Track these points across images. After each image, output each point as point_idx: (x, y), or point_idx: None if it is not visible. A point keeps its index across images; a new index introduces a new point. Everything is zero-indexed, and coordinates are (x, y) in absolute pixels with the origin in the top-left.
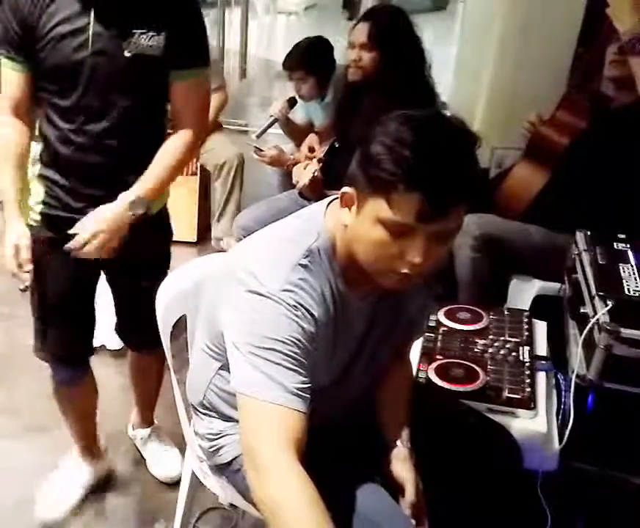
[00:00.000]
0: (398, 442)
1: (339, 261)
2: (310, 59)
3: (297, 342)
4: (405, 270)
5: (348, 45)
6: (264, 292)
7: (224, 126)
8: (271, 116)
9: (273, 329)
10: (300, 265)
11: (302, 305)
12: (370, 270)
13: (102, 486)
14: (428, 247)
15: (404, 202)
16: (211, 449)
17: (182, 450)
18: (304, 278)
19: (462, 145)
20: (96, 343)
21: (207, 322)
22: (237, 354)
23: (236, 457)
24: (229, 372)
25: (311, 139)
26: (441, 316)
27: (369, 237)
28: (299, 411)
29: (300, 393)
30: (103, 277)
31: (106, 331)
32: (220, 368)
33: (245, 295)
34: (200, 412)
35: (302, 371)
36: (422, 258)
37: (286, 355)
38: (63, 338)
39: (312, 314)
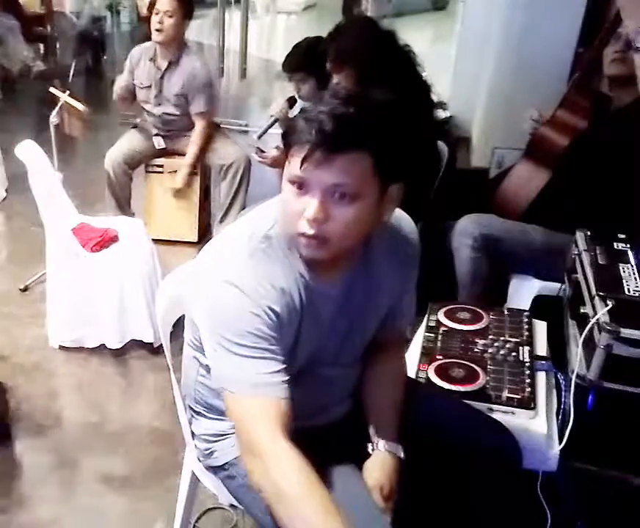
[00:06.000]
0: (381, 445)
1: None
2: (309, 59)
3: (260, 330)
4: (306, 230)
5: None
6: (224, 283)
7: (223, 126)
8: (272, 116)
9: (235, 322)
10: (256, 252)
11: (259, 293)
12: (289, 238)
13: (101, 485)
14: (323, 203)
15: (296, 156)
16: (206, 451)
17: (181, 450)
18: (261, 265)
19: (341, 101)
20: (96, 342)
21: (189, 316)
22: (209, 349)
23: (228, 462)
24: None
25: None
26: (441, 316)
27: (282, 198)
28: (277, 396)
29: (272, 380)
30: (100, 277)
31: (105, 330)
32: (202, 361)
33: (208, 288)
34: (194, 411)
35: (271, 357)
36: (315, 212)
37: (252, 346)
38: None
39: (270, 302)
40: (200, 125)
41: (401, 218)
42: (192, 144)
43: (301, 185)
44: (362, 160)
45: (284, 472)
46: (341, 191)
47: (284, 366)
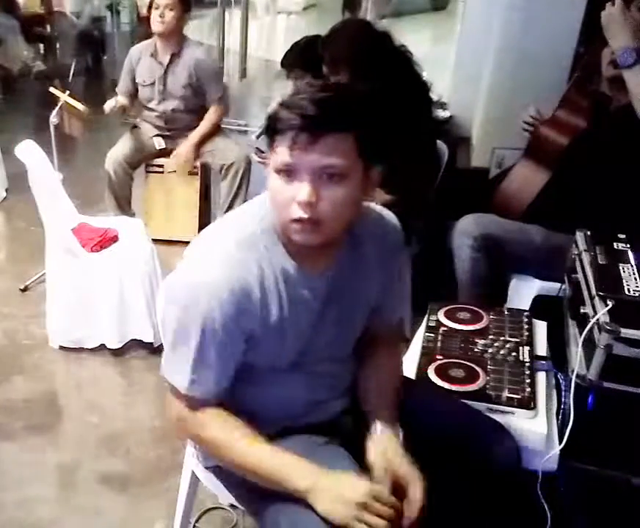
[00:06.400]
0: (379, 425)
1: (283, 239)
2: (307, 57)
3: (211, 330)
4: (299, 214)
5: None
6: (197, 279)
7: (223, 126)
8: None
9: (191, 315)
10: (238, 247)
11: (234, 290)
12: (281, 228)
13: (101, 485)
14: (314, 186)
15: (281, 145)
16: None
17: (181, 450)
18: (243, 260)
19: (319, 88)
20: (96, 342)
21: None
22: (163, 331)
23: None
24: None
25: None
26: (441, 316)
27: (271, 189)
28: (196, 397)
29: (197, 381)
30: (100, 277)
31: (105, 330)
32: None
33: (179, 277)
34: None
35: (213, 361)
36: (308, 195)
37: (198, 347)
38: None
39: (247, 299)
40: (213, 109)
41: (382, 209)
42: (202, 124)
43: (289, 172)
44: (346, 141)
45: (208, 422)
46: (329, 172)
47: (222, 377)
